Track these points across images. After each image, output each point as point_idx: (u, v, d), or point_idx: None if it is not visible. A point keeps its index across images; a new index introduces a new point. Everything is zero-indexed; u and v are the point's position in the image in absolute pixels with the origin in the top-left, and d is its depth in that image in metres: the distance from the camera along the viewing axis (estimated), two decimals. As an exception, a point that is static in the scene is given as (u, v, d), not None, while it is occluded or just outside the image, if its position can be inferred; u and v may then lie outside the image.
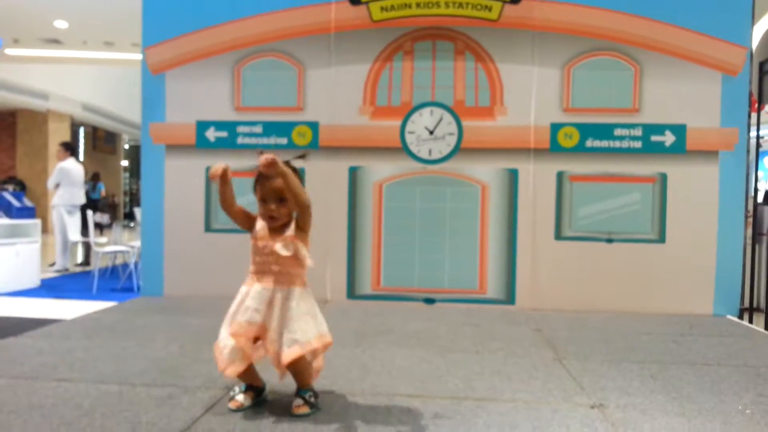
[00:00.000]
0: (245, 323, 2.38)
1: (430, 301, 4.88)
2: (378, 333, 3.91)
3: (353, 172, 4.95)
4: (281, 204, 2.40)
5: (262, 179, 2.40)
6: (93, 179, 16.11)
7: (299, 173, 2.46)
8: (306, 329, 2.38)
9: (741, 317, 4.70)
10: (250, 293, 2.42)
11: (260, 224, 2.47)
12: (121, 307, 4.67)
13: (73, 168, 8.56)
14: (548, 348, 3.61)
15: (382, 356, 3.34)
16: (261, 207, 2.43)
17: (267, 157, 2.22)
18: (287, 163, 2.40)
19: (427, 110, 4.90)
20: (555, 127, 4.81)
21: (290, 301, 2.38)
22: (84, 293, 6.42)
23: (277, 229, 2.44)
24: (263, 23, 4.96)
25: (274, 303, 2.38)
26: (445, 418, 2.41)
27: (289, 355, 2.34)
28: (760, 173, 10.55)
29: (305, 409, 2.40)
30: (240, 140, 4.99)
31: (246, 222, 2.53)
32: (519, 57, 4.83)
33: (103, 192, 15.80)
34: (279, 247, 2.38)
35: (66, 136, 15.06)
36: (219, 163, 2.39)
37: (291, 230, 2.42)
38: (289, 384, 2.52)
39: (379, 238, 4.93)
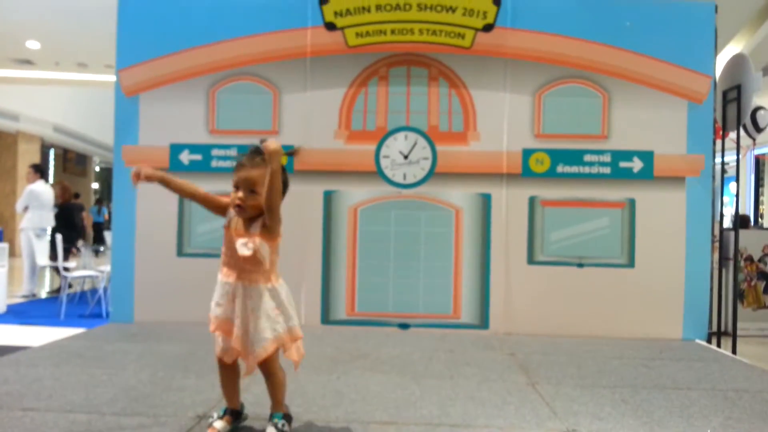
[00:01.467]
0: (212, 316, 2.41)
1: (404, 326, 4.88)
2: (352, 358, 3.89)
3: (328, 196, 4.95)
4: (251, 195, 2.36)
5: (239, 167, 2.38)
6: (97, 203, 15.83)
7: (286, 171, 2.45)
8: (275, 326, 2.38)
9: (709, 341, 4.78)
10: (216, 285, 2.43)
11: (232, 214, 2.45)
12: (90, 334, 4.57)
13: (43, 191, 8.41)
14: (521, 373, 3.63)
15: (357, 382, 3.33)
16: (232, 194, 2.40)
17: (271, 144, 2.24)
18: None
19: (401, 135, 4.94)
20: (527, 153, 4.89)
21: (255, 298, 2.36)
22: (51, 319, 6.29)
23: (247, 222, 2.41)
24: (239, 47, 4.97)
25: (236, 298, 2.37)
26: (419, 446, 2.41)
27: (259, 354, 2.34)
28: (725, 198, 10.82)
29: (277, 438, 2.38)
30: (214, 163, 4.97)
31: (216, 207, 2.51)
32: (491, 84, 4.91)
33: (106, 216, 15.48)
34: (239, 245, 2.35)
35: (36, 158, 14.81)
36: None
37: (257, 227, 2.38)
38: (267, 405, 2.49)
39: (353, 262, 4.93)
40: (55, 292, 8.30)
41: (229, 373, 2.48)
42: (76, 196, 11.68)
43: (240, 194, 2.37)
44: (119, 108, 5.03)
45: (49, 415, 2.66)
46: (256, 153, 2.41)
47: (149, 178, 2.41)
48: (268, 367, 2.42)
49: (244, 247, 2.34)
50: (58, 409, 2.75)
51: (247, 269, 2.38)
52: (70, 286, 7.64)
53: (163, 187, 2.47)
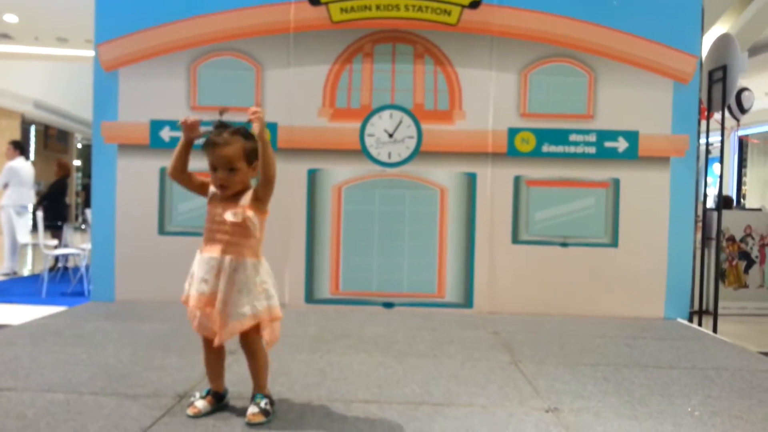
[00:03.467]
0: (196, 294, 2.34)
1: (388, 305, 4.87)
2: (336, 338, 3.88)
3: (312, 174, 4.90)
4: (232, 173, 2.33)
5: (211, 146, 2.34)
6: None
7: (256, 144, 2.38)
8: (255, 303, 2.34)
9: (691, 320, 4.82)
10: (200, 262, 2.38)
11: (213, 190, 2.42)
12: (70, 312, 4.53)
13: (23, 167, 8.29)
14: (505, 351, 3.64)
15: (340, 361, 3.32)
16: (212, 175, 2.37)
17: (256, 111, 2.27)
18: (242, 128, 2.37)
19: (386, 113, 4.89)
20: (512, 132, 4.86)
21: (239, 272, 2.33)
22: (32, 297, 6.22)
23: (230, 197, 2.38)
24: (221, 21, 4.87)
25: (221, 272, 2.32)
26: (401, 424, 2.40)
27: (234, 327, 2.31)
28: (709, 179, 10.88)
29: (260, 418, 2.35)
30: (196, 141, 4.88)
31: (200, 188, 2.48)
32: (477, 62, 4.86)
33: None
34: (229, 215, 2.31)
35: (16, 135, 14.56)
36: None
37: (246, 199, 2.36)
38: (249, 384, 2.47)
39: (337, 241, 4.90)
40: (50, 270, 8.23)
41: (215, 353, 2.45)
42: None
43: (221, 175, 2.33)
44: (98, 83, 4.93)
45: (26, 395, 2.62)
46: (222, 128, 2.36)
47: (194, 133, 2.40)
48: (250, 346, 2.40)
49: (234, 216, 2.31)
50: (36, 388, 2.71)
51: (234, 242, 2.34)
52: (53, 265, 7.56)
53: (179, 144, 2.45)
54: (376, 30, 4.87)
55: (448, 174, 4.89)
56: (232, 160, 2.32)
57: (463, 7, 4.81)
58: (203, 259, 2.37)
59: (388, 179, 4.89)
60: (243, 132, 2.36)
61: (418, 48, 4.88)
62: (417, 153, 4.87)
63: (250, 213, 2.34)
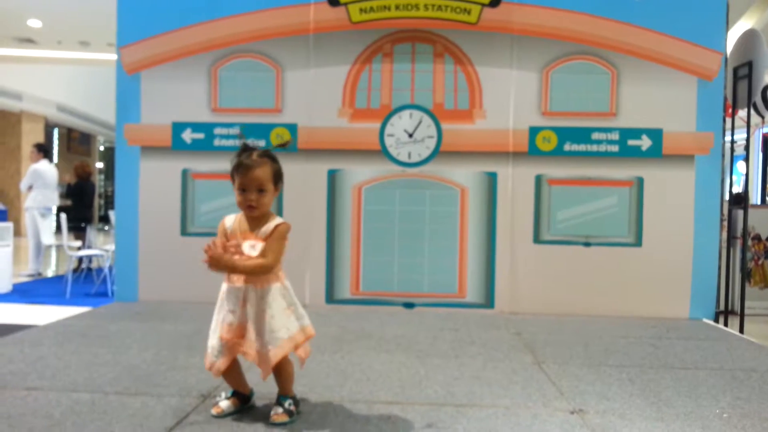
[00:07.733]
0: (226, 325, 2.36)
1: (409, 305, 4.86)
2: (357, 338, 3.87)
3: (332, 175, 4.91)
4: (261, 194, 2.35)
5: (242, 168, 2.34)
6: None
7: (280, 166, 2.42)
8: (289, 325, 2.36)
9: (717, 320, 4.74)
10: (227, 293, 2.39)
11: (231, 221, 2.43)
12: (94, 313, 4.58)
13: (47, 170, 8.41)
14: (527, 352, 3.61)
15: (361, 362, 3.31)
16: (239, 196, 2.37)
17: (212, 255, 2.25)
18: (268, 151, 2.39)
19: (406, 113, 4.88)
20: (533, 131, 4.82)
21: (267, 299, 2.34)
22: (57, 298, 6.30)
23: (252, 225, 2.38)
24: (241, 23, 4.90)
25: (247, 302, 2.34)
26: (424, 426, 2.39)
27: (276, 354, 2.31)
28: (733, 177, 10.69)
29: (284, 418, 2.36)
30: (217, 142, 4.92)
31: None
32: (498, 60, 4.83)
33: None
34: (247, 246, 2.32)
35: (40, 138, 14.77)
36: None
37: (266, 231, 2.35)
38: (272, 385, 2.47)
39: (358, 242, 4.90)
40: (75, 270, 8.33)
41: (230, 367, 2.44)
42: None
43: (251, 196, 2.34)
44: (120, 86, 4.98)
45: (52, 395, 2.65)
46: (249, 150, 2.37)
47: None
48: (279, 364, 2.39)
49: (252, 249, 2.32)
50: (62, 388, 2.74)
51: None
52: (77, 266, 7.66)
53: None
54: (396, 30, 4.86)
55: (469, 173, 4.86)
56: (262, 181, 2.34)
57: (483, 5, 4.78)
58: (229, 289, 2.38)
59: (408, 179, 4.88)
60: (269, 155, 2.39)
61: (437, 47, 4.86)
62: (437, 153, 4.85)
63: (266, 246, 2.33)
